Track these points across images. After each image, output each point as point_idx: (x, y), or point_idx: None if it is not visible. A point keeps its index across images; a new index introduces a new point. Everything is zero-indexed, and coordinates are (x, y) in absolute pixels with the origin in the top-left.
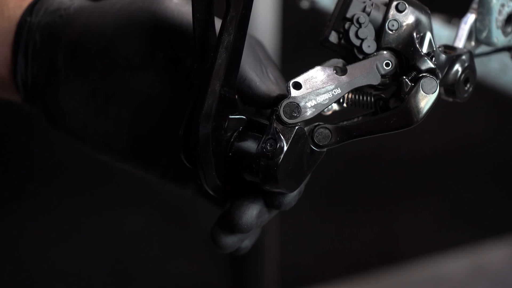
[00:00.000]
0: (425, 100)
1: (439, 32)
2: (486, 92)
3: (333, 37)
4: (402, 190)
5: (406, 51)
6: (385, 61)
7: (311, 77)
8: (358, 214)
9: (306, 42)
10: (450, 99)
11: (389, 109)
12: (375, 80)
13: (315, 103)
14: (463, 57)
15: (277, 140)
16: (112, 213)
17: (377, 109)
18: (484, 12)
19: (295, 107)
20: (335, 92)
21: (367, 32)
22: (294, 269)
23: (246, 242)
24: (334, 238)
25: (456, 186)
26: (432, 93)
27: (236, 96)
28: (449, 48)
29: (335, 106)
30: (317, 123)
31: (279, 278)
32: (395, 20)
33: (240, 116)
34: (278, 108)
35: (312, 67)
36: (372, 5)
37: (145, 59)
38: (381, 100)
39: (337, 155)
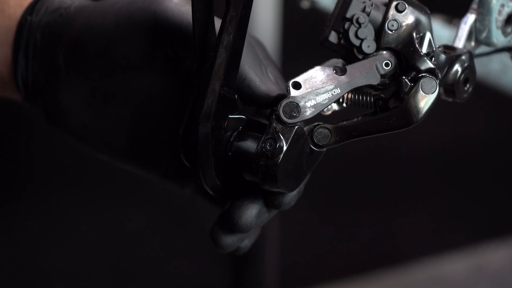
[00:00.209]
0: (425, 100)
1: (439, 33)
2: (486, 93)
3: (333, 37)
4: (402, 190)
5: (405, 51)
6: (385, 61)
7: (311, 77)
8: (358, 214)
9: (307, 42)
10: (450, 99)
11: (389, 109)
12: (375, 80)
13: (315, 103)
14: (463, 57)
15: (276, 139)
16: (112, 213)
17: (376, 109)
18: (484, 12)
19: (295, 107)
20: (334, 92)
21: (367, 32)
22: (294, 269)
23: (246, 242)
24: (334, 238)
25: (455, 186)
26: (432, 93)
27: (236, 96)
28: (448, 48)
29: (334, 106)
30: (316, 123)
31: (279, 278)
32: (394, 20)
33: (239, 115)
34: (277, 107)
35: (311, 67)
36: (372, 5)
37: (145, 59)
38: (381, 100)
39: (337, 155)
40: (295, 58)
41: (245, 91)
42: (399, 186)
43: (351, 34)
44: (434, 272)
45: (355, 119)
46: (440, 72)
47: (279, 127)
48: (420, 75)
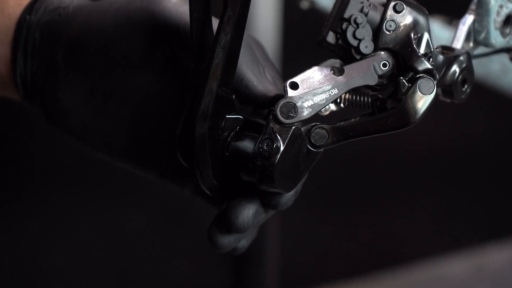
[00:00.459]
0: (422, 101)
1: (439, 34)
2: (485, 93)
3: (331, 38)
4: (400, 191)
5: (403, 52)
6: (382, 62)
7: (308, 77)
8: (356, 215)
9: (308, 41)
10: (448, 100)
11: (386, 109)
12: (372, 81)
13: (312, 103)
14: (461, 58)
15: (273, 140)
16: (112, 213)
17: (374, 110)
18: (482, 13)
19: (292, 107)
20: (332, 92)
21: (365, 33)
22: (295, 270)
23: (243, 242)
24: (334, 239)
25: (454, 187)
26: (429, 94)
27: (234, 96)
28: (447, 49)
29: (332, 107)
30: (314, 123)
31: (279, 279)
32: (392, 20)
33: (237, 116)
34: (275, 108)
35: (309, 67)
36: (369, 5)
37: (144, 58)
38: (378, 100)
39: (334, 155)
40: (295, 58)
41: (243, 91)
42: (397, 186)
43: (349, 35)
44: (434, 273)
45: (352, 120)
46: (438, 72)
47: (276, 127)
48: (417, 76)
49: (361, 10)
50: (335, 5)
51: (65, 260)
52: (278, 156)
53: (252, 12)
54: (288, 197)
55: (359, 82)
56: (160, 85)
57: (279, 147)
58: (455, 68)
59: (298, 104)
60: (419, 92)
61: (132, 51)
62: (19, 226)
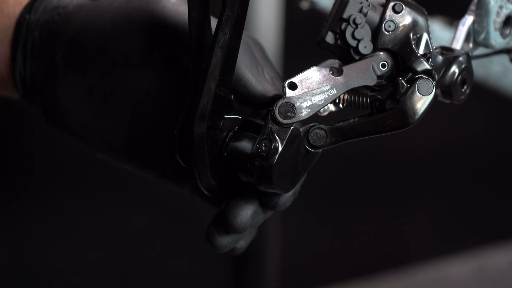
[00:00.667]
0: (421, 102)
1: (440, 35)
2: (484, 94)
3: (330, 38)
4: (400, 191)
5: (402, 52)
6: (381, 62)
7: (307, 77)
8: (355, 215)
9: (308, 42)
10: (447, 101)
11: (385, 110)
12: (371, 81)
13: (311, 103)
14: (460, 58)
15: (272, 140)
16: (112, 213)
17: (373, 110)
18: (482, 14)
19: (290, 108)
20: (330, 92)
21: (364, 33)
22: (295, 270)
23: (242, 242)
24: (333, 240)
25: (454, 187)
26: (428, 95)
27: (232, 96)
28: (446, 50)
29: (331, 107)
30: (312, 124)
31: (280, 279)
32: (391, 21)
33: (235, 116)
34: (273, 108)
35: (309, 67)
36: (369, 5)
37: (143, 58)
38: (377, 101)
39: (333, 156)
40: (295, 58)
41: (241, 91)
42: (396, 187)
43: (348, 35)
44: (434, 273)
45: (351, 120)
46: (437, 73)
47: (274, 127)
48: (416, 76)
49: (360, 11)
50: (334, 5)
51: (65, 260)
52: (276, 157)
53: (252, 12)
54: (287, 197)
55: (358, 82)
56: (160, 85)
57: (277, 148)
58: (454, 68)
59: (297, 104)
60: (418, 93)
61: (131, 51)
62: (19, 226)
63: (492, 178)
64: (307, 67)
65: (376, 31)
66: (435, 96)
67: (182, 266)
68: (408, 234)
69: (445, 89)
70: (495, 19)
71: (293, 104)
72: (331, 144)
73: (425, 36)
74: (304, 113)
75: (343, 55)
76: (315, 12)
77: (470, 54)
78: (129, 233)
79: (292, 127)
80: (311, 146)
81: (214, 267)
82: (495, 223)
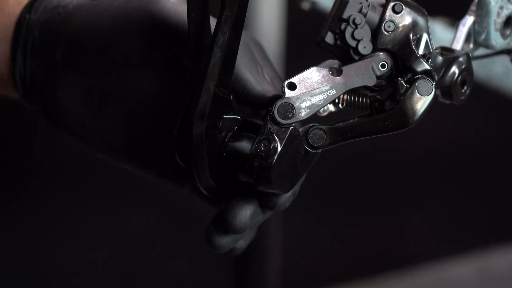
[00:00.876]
0: (421, 102)
1: (442, 35)
2: (484, 94)
3: (329, 38)
4: (400, 192)
5: (402, 53)
6: (381, 63)
7: (306, 77)
8: (355, 216)
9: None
10: (447, 101)
11: (385, 110)
12: (371, 82)
13: (310, 104)
14: (461, 59)
15: (271, 140)
16: (112, 213)
17: (372, 111)
18: (482, 14)
19: (289, 108)
20: (330, 93)
21: (363, 33)
22: (296, 271)
23: (241, 242)
24: (334, 240)
25: (454, 188)
26: (428, 95)
27: (231, 96)
28: (446, 50)
29: (330, 107)
30: (311, 124)
31: (280, 279)
32: (391, 21)
33: (234, 116)
34: (272, 108)
35: (308, 67)
36: (368, 6)
37: (143, 58)
38: (377, 101)
39: (332, 156)
40: (296, 59)
41: (241, 91)
42: (396, 187)
43: (348, 35)
44: (435, 274)
45: (351, 121)
46: (436, 74)
47: (273, 128)
48: (416, 77)
49: (360, 11)
50: (334, 5)
51: (65, 260)
52: (275, 157)
53: (253, 13)
54: (286, 198)
55: (357, 83)
56: (159, 85)
57: (277, 148)
58: (454, 69)
59: (296, 104)
60: (417, 93)
61: (131, 51)
62: (19, 226)
63: (492, 179)
64: (307, 67)
65: (375, 32)
66: (435, 96)
67: (182, 266)
68: (408, 234)
69: (445, 89)
70: (495, 20)
71: (292, 105)
72: (331, 144)
73: (425, 37)
74: (303, 114)
75: (343, 55)
76: (316, 13)
77: (470, 54)
78: (129, 233)
79: (291, 127)
80: (311, 146)
81: (214, 267)
82: (495, 224)
